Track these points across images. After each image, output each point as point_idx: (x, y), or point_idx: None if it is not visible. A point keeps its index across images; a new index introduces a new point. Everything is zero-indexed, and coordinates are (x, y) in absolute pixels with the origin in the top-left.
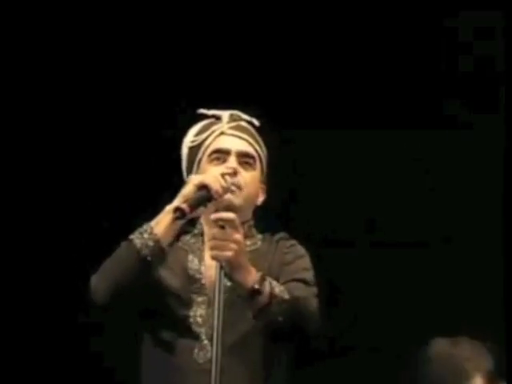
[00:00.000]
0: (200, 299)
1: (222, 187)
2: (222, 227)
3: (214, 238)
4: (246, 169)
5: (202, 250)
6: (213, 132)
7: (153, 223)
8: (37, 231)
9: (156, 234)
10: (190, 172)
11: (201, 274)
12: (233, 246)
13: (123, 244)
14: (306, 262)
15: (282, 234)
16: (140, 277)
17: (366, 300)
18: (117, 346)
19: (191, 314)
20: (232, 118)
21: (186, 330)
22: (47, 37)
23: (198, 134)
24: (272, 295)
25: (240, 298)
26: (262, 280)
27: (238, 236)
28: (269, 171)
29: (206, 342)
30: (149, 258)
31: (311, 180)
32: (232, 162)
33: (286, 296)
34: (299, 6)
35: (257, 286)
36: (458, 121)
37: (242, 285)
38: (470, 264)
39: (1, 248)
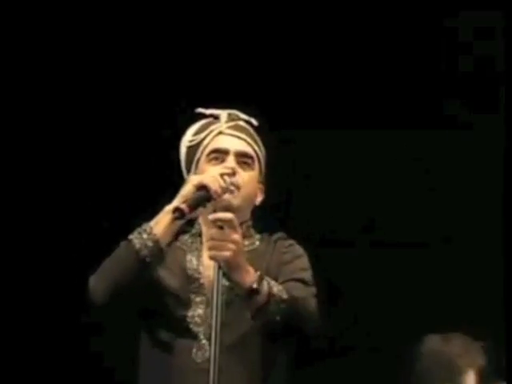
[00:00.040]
0: (198, 299)
1: (221, 187)
2: (221, 227)
3: (212, 238)
4: (244, 169)
5: (200, 250)
6: (211, 132)
7: (152, 223)
8: (37, 231)
9: (155, 234)
10: (188, 171)
11: (199, 273)
12: (231, 246)
13: (122, 244)
14: (304, 261)
15: (280, 234)
16: (139, 277)
17: (365, 300)
18: (115, 346)
19: (190, 313)
20: (230, 118)
21: (184, 329)
22: (47, 37)
23: (197, 133)
24: (270, 295)
25: (238, 297)
26: (260, 280)
27: (237, 236)
28: (268, 171)
29: (204, 341)
30: (148, 259)
31: (311, 180)
32: (230, 161)
33: (285, 296)
34: (299, 5)
35: (255, 286)
36: (458, 121)
37: (240, 284)
38: (469, 264)
39: (1, 248)
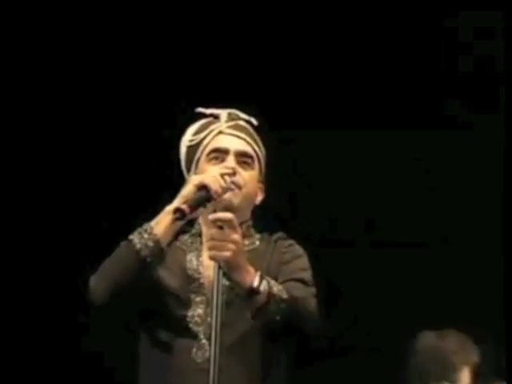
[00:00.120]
0: (198, 299)
1: (222, 187)
2: (221, 227)
3: (212, 238)
4: (244, 168)
5: (200, 250)
6: (211, 131)
7: (152, 223)
8: (37, 231)
9: (156, 235)
10: (188, 171)
11: (199, 273)
12: (231, 246)
13: (122, 244)
14: (304, 261)
15: (280, 234)
16: (139, 277)
17: (365, 300)
18: (115, 346)
19: (189, 313)
20: (230, 117)
21: (184, 329)
22: (47, 37)
23: (196, 133)
24: (270, 294)
25: (238, 297)
26: (261, 279)
27: (236, 236)
28: (268, 171)
29: (204, 341)
30: (148, 259)
31: (311, 180)
32: (230, 161)
33: (285, 295)
34: (299, 5)
35: (255, 286)
36: (458, 121)
37: (240, 284)
38: (469, 264)
39: (1, 248)
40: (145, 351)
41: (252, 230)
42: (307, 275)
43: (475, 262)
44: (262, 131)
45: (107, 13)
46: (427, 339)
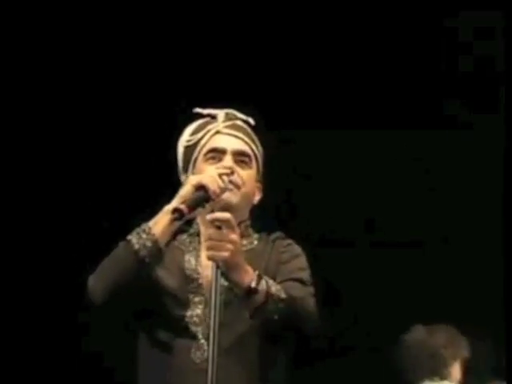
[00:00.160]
0: (197, 299)
1: (220, 187)
2: (219, 227)
3: (210, 238)
4: (242, 167)
5: (198, 250)
6: (208, 131)
7: (151, 223)
8: (37, 231)
9: (154, 235)
10: (186, 171)
11: (198, 273)
12: (229, 246)
13: (121, 244)
14: (303, 261)
15: (278, 234)
16: (137, 277)
17: (365, 300)
18: (115, 346)
19: (188, 313)
20: (227, 117)
21: (182, 329)
22: (47, 37)
23: (194, 133)
24: (268, 294)
25: (237, 297)
26: (259, 279)
27: (235, 236)
28: (266, 171)
29: (202, 341)
30: (147, 259)
31: (311, 180)
32: (228, 161)
33: (283, 295)
34: (299, 5)
35: (253, 285)
36: (458, 121)
37: (238, 284)
38: (469, 264)
39: (1, 248)
40: (144, 351)
41: (250, 230)
42: (305, 275)
43: (475, 261)
44: (260, 131)
45: (107, 13)
46: (418, 333)
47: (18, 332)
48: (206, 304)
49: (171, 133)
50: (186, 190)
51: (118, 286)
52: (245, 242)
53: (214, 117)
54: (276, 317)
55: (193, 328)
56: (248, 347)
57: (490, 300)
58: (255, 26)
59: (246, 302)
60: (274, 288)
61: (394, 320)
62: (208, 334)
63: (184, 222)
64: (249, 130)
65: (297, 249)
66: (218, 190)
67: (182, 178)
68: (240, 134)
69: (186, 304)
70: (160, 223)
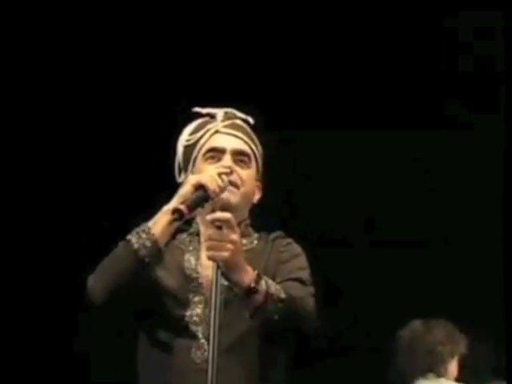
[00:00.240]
0: (197, 299)
1: (219, 187)
2: (219, 227)
3: (210, 238)
4: (241, 167)
5: (198, 250)
6: (208, 130)
7: (150, 223)
8: (37, 231)
9: (154, 235)
10: (185, 171)
11: (198, 273)
12: (229, 246)
13: (120, 244)
14: (302, 261)
15: (278, 233)
16: (137, 277)
17: (365, 300)
18: (115, 346)
19: (188, 313)
20: (227, 117)
21: (183, 329)
22: (47, 37)
23: (193, 132)
24: (268, 294)
25: (237, 297)
26: (259, 279)
27: (235, 236)
28: (266, 170)
29: (203, 341)
30: (146, 259)
31: (311, 179)
32: (227, 160)
33: (282, 295)
34: (299, 5)
35: (253, 285)
36: (458, 121)
37: (238, 284)
38: (469, 264)
39: (1, 248)
40: (144, 351)
41: (250, 229)
42: (305, 274)
43: (475, 261)
44: (260, 131)
45: (107, 13)
46: (415, 329)
47: (17, 332)
48: (206, 303)
49: (171, 133)
50: (185, 190)
51: (117, 285)
52: (245, 241)
53: (213, 116)
54: (276, 317)
55: (193, 328)
56: (248, 347)
57: (490, 300)
58: (255, 27)
59: (245, 301)
60: (274, 288)
61: (393, 320)
62: (208, 334)
63: (184, 222)
64: (248, 129)
65: (296, 248)
66: (217, 190)
67: (181, 177)
68: (239, 134)
69: (185, 304)
70: (159, 223)
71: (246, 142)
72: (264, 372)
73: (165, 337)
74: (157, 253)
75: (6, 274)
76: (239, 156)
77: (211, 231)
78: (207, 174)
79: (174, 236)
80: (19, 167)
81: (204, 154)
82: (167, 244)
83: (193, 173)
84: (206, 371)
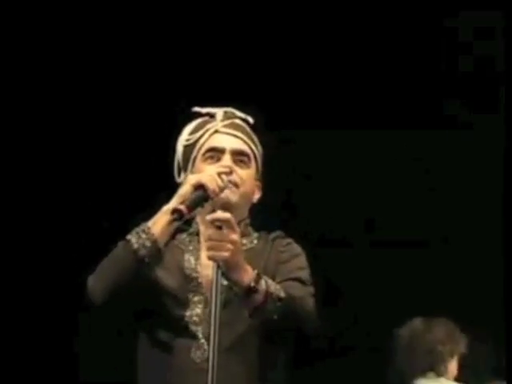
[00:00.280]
0: (196, 298)
1: (219, 186)
2: (219, 227)
3: (210, 238)
4: (240, 167)
5: (198, 250)
6: (207, 130)
7: (150, 223)
8: (37, 231)
9: (153, 235)
10: (185, 170)
11: (197, 273)
12: (229, 246)
13: (120, 244)
14: (302, 260)
15: (277, 233)
16: (137, 277)
17: (365, 300)
18: (115, 346)
19: (188, 313)
20: (226, 116)
21: (182, 329)
22: (47, 37)
23: (193, 132)
24: (267, 293)
25: (237, 296)
26: (258, 278)
27: (235, 236)
28: (266, 170)
29: (202, 341)
30: (146, 259)
31: (311, 180)
32: (226, 160)
33: (282, 294)
34: (299, 5)
35: (253, 285)
36: (458, 121)
37: (238, 283)
38: (469, 264)
39: (1, 248)
40: (144, 351)
41: (250, 229)
42: (305, 274)
43: (475, 261)
44: (260, 130)
45: (107, 13)
46: (415, 327)
47: (17, 332)
48: (206, 303)
49: (171, 132)
50: (185, 190)
51: (117, 285)
52: (245, 241)
53: (212, 116)
54: (275, 316)
55: (193, 327)
56: (248, 347)
57: (490, 300)
58: (255, 26)
59: (245, 301)
60: (274, 287)
61: (393, 320)
62: (208, 334)
63: (183, 222)
64: (247, 128)
65: (296, 248)
66: (217, 190)
67: (181, 177)
68: (239, 133)
69: (185, 303)
70: (159, 223)
71: (245, 141)
72: (264, 372)
73: (165, 337)
74: (156, 253)
75: (6, 274)
76: (239, 156)
77: (211, 231)
78: (207, 173)
79: (173, 236)
80: (19, 167)
81: (203, 154)
82: (167, 244)
83: (192, 172)
84: (207, 371)
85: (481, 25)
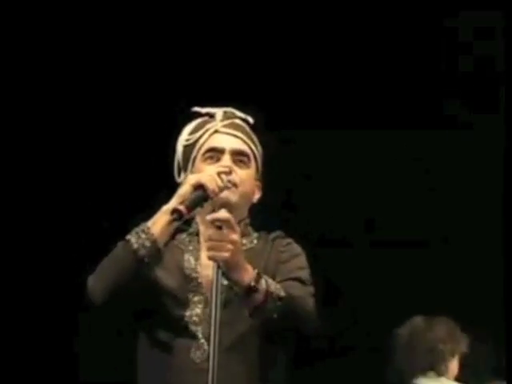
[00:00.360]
0: (196, 298)
1: (218, 186)
2: (219, 228)
3: (210, 239)
4: (240, 167)
5: (197, 250)
6: (207, 130)
7: (149, 223)
8: (37, 231)
9: (153, 235)
10: (185, 170)
11: (197, 273)
12: (229, 246)
13: (120, 244)
14: (302, 260)
15: (277, 233)
16: (137, 277)
17: (365, 300)
18: (114, 346)
19: (188, 313)
20: (226, 116)
21: (182, 329)
22: (47, 37)
23: (192, 132)
24: (268, 293)
25: (237, 296)
26: (258, 278)
27: (235, 236)
28: (266, 170)
29: (202, 341)
30: (146, 259)
31: (311, 180)
32: (226, 160)
33: (282, 294)
34: (299, 5)
35: (253, 284)
36: (458, 121)
37: (238, 282)
38: (469, 264)
39: (1, 248)
40: (144, 351)
41: (250, 229)
42: (305, 274)
43: (475, 261)
44: (260, 131)
45: (107, 13)
46: (416, 325)
47: (17, 332)
48: (206, 303)
49: (171, 132)
50: (184, 190)
51: (117, 286)
52: (244, 241)
53: (212, 116)
54: (275, 315)
55: (192, 327)
56: (248, 347)
57: (490, 300)
58: (255, 26)
59: (245, 300)
60: (274, 287)
61: (394, 320)
62: (208, 334)
63: (183, 222)
64: (247, 128)
65: (296, 248)
66: (216, 190)
67: (181, 177)
68: (238, 133)
69: (185, 303)
70: (159, 223)
71: (245, 141)
72: (264, 372)
73: (164, 337)
74: (156, 253)
75: (6, 274)
76: (238, 156)
77: (211, 231)
78: (206, 173)
79: (173, 236)
80: (19, 167)
81: (203, 154)
82: (166, 244)
83: (192, 172)
84: (207, 370)
85: (481, 25)
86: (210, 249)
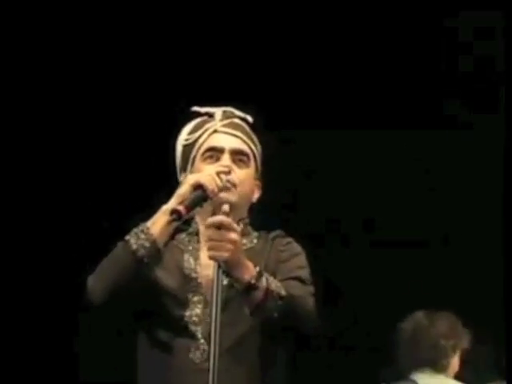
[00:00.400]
0: (196, 298)
1: (218, 186)
2: (219, 227)
3: (210, 239)
4: (239, 166)
5: (197, 249)
6: (206, 130)
7: (149, 223)
8: (37, 231)
9: (152, 235)
10: (184, 170)
11: (197, 273)
12: (230, 246)
13: (119, 244)
14: (302, 260)
15: (277, 232)
16: (136, 277)
17: (365, 300)
18: (114, 346)
19: (187, 313)
20: (225, 116)
21: (182, 329)
22: (47, 37)
23: (192, 132)
24: (268, 291)
25: (237, 296)
26: (259, 275)
27: (235, 235)
28: (267, 170)
29: (202, 341)
30: (145, 260)
31: (311, 179)
32: (225, 159)
33: (283, 292)
34: (299, 5)
35: (253, 281)
36: (458, 121)
37: (238, 280)
38: (469, 264)
39: (1, 248)
40: (144, 351)
41: (249, 228)
42: (305, 273)
43: (475, 261)
44: (259, 130)
45: (107, 13)
46: (418, 321)
47: (17, 332)
48: (206, 303)
49: (170, 132)
50: (184, 189)
51: (117, 286)
52: (244, 240)
53: (211, 115)
54: (275, 314)
55: (192, 328)
56: (248, 347)
57: (490, 300)
58: (255, 26)
59: (245, 298)
60: (274, 285)
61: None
62: (208, 334)
63: (183, 222)
64: (247, 127)
65: (296, 247)
66: (216, 189)
67: (181, 176)
68: (238, 133)
69: (185, 304)
70: (158, 223)
71: (244, 141)
72: (264, 372)
73: (164, 337)
74: (155, 253)
75: (6, 274)
76: (238, 155)
77: (211, 231)
78: (206, 173)
79: (172, 236)
80: (19, 167)
81: (202, 154)
82: (166, 244)
83: (192, 172)
84: (206, 371)
85: (481, 25)
86: (210, 249)
